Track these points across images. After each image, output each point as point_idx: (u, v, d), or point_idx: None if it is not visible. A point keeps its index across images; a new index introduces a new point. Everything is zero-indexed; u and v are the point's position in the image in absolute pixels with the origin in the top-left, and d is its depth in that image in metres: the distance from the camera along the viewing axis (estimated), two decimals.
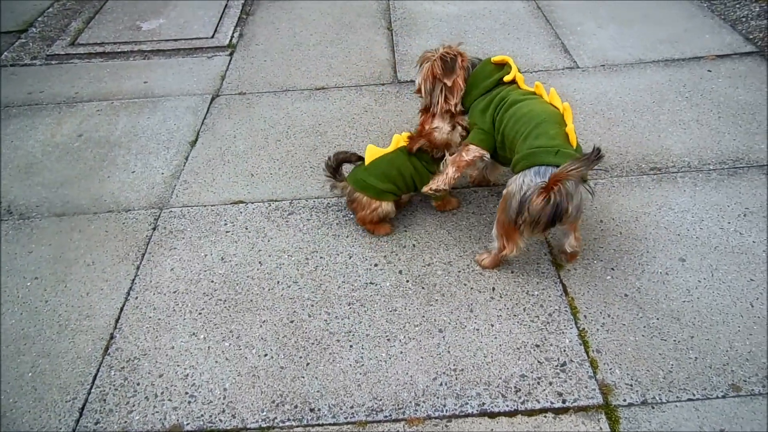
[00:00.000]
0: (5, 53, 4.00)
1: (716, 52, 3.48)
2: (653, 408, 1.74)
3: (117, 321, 2.10)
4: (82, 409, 1.82)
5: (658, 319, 1.99)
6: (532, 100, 2.09)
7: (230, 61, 3.77)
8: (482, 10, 4.13)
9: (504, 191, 1.97)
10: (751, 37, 3.59)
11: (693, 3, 4.03)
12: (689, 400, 1.75)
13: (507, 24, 3.95)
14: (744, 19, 3.79)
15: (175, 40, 4.07)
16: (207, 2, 4.53)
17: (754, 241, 2.25)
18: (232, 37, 4.07)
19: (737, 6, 3.95)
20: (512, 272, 2.17)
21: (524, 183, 1.88)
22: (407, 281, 2.17)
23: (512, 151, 2.04)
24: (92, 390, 1.87)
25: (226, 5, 4.50)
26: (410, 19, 4.10)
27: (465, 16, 4.08)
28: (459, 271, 2.19)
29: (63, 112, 3.34)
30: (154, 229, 2.49)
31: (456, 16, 4.08)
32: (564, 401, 1.77)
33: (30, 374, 1.93)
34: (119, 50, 3.99)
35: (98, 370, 1.93)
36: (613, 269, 2.17)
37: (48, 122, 3.26)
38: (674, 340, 1.92)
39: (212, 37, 4.08)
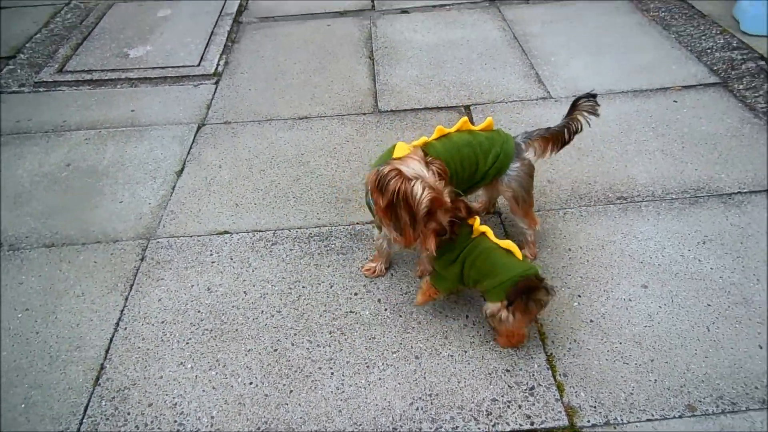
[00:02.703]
0: None
1: (682, 82, 3.66)
2: (615, 429, 1.86)
3: (107, 351, 2.18)
4: None
5: (621, 343, 2.12)
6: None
7: (216, 89, 3.88)
8: (460, 40, 4.30)
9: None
10: (715, 68, 3.78)
11: (661, 34, 4.23)
12: (648, 420, 1.88)
13: (484, 54, 4.11)
14: (709, 51, 3.99)
15: (162, 67, 4.17)
16: (193, 29, 4.64)
17: (711, 268, 2.40)
18: (217, 65, 4.18)
19: (703, 38, 4.16)
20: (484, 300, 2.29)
21: None
22: (386, 310, 2.29)
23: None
24: (84, 420, 1.95)
25: (212, 32, 4.62)
26: (391, 49, 4.25)
27: (444, 45, 4.24)
28: (435, 300, 2.31)
29: (51, 141, 3.42)
30: (141, 259, 2.57)
31: (435, 46, 4.24)
32: (532, 423, 1.88)
33: (23, 405, 2.01)
34: (107, 78, 4.08)
35: (89, 401, 2.01)
36: (579, 296, 2.31)
37: (36, 151, 3.34)
38: (635, 364, 2.05)
39: (198, 65, 4.19)
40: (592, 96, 2.30)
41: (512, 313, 1.92)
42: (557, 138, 2.34)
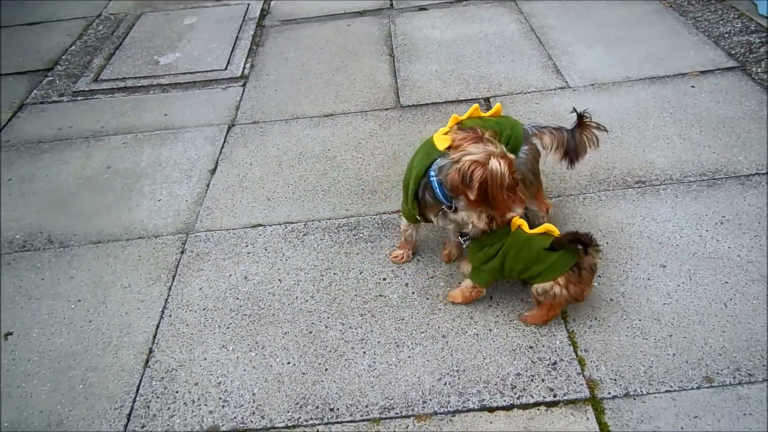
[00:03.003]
0: (35, 91, 4.30)
1: (699, 68, 3.70)
2: (635, 399, 1.95)
3: (154, 337, 2.35)
4: (129, 415, 2.07)
5: (640, 320, 2.20)
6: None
7: (243, 91, 4.04)
8: (478, 34, 4.39)
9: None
10: (733, 52, 3.80)
11: (678, 21, 4.26)
12: (667, 391, 1.96)
13: (502, 47, 4.20)
14: (726, 35, 4.01)
15: (191, 73, 4.35)
16: (219, 35, 4.82)
17: (729, 247, 2.46)
18: (244, 68, 4.34)
19: (720, 22, 4.17)
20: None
21: None
22: (413, 293, 2.41)
23: None
24: (137, 398, 2.12)
25: (237, 37, 4.79)
26: (410, 45, 4.36)
27: (462, 40, 4.33)
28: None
29: (91, 146, 3.62)
30: (182, 252, 2.74)
31: (453, 41, 4.34)
32: (555, 395, 1.99)
33: (81, 386, 2.18)
34: (139, 84, 4.28)
35: (141, 381, 2.18)
36: (599, 276, 2.39)
37: (78, 156, 3.54)
38: (654, 339, 2.13)
39: (225, 68, 4.36)
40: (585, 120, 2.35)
41: (565, 287, 2.03)
42: (563, 140, 2.37)
